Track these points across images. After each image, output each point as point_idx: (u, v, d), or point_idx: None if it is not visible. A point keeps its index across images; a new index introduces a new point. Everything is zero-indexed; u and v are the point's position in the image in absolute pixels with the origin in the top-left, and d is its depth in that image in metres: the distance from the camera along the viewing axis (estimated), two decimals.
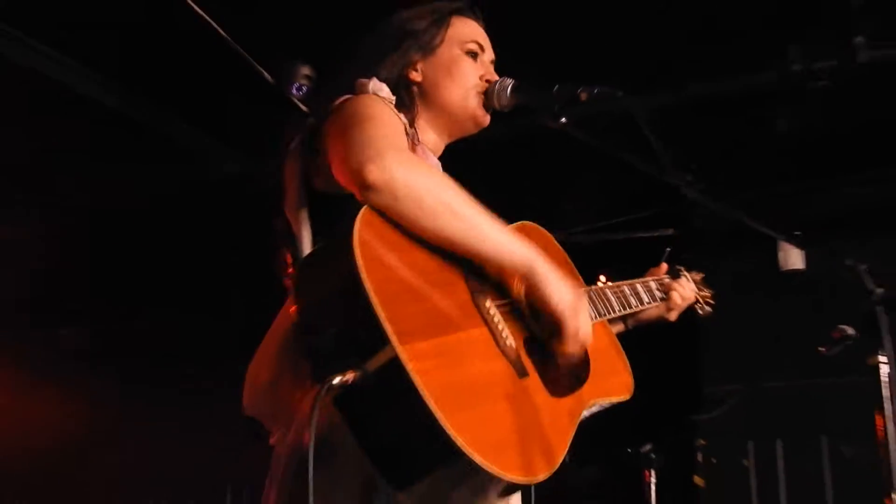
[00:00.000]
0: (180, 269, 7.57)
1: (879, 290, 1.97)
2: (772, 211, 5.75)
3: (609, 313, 2.79)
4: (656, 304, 3.08)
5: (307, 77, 4.57)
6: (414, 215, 2.22)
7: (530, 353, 2.34)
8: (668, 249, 3.17)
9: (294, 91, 4.55)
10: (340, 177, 2.29)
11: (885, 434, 1.92)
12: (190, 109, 5.61)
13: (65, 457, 8.34)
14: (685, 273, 3.30)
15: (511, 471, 2.04)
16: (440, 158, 2.75)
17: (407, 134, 2.45)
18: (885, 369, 1.94)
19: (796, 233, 3.09)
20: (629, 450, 4.76)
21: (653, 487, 4.74)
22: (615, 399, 2.60)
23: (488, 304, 2.32)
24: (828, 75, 4.68)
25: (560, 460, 2.25)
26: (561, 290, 2.36)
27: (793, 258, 5.72)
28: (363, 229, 2.13)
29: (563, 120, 2.59)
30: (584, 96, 2.55)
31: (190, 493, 7.81)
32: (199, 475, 7.27)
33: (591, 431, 3.31)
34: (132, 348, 8.36)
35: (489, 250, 2.30)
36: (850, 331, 3.71)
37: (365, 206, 2.19)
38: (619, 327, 3.05)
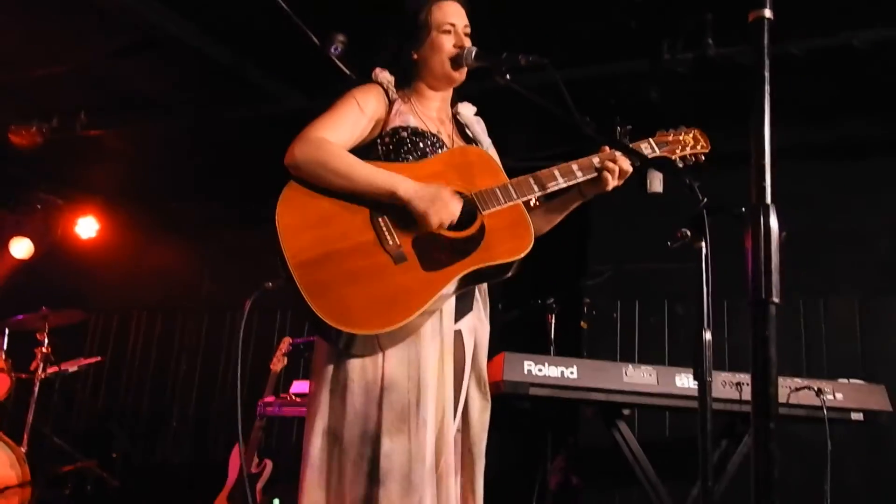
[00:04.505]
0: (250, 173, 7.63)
1: (704, 199, 2.20)
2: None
3: (517, 198, 2.66)
4: (592, 175, 2.75)
5: (341, 42, 4.68)
6: (317, 180, 2.50)
7: (415, 248, 2.50)
8: (619, 128, 2.76)
9: (332, 51, 4.65)
10: None
11: (701, 296, 2.15)
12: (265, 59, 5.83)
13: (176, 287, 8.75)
14: (646, 142, 2.88)
15: (355, 327, 2.34)
16: (459, 94, 2.94)
17: (388, 98, 2.71)
18: (704, 251, 2.19)
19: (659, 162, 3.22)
20: (539, 300, 4.91)
21: (553, 327, 4.89)
22: (502, 260, 2.55)
23: (381, 219, 2.53)
24: (686, 64, 4.89)
25: (418, 308, 2.39)
26: (416, 199, 2.51)
27: (655, 184, 5.78)
28: (285, 192, 2.50)
29: (508, 77, 2.62)
30: (523, 62, 2.58)
31: None
32: None
33: (515, 288, 3.53)
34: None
35: (366, 190, 2.52)
36: (689, 232, 3.99)
37: (290, 179, 2.53)
38: (577, 200, 2.87)
